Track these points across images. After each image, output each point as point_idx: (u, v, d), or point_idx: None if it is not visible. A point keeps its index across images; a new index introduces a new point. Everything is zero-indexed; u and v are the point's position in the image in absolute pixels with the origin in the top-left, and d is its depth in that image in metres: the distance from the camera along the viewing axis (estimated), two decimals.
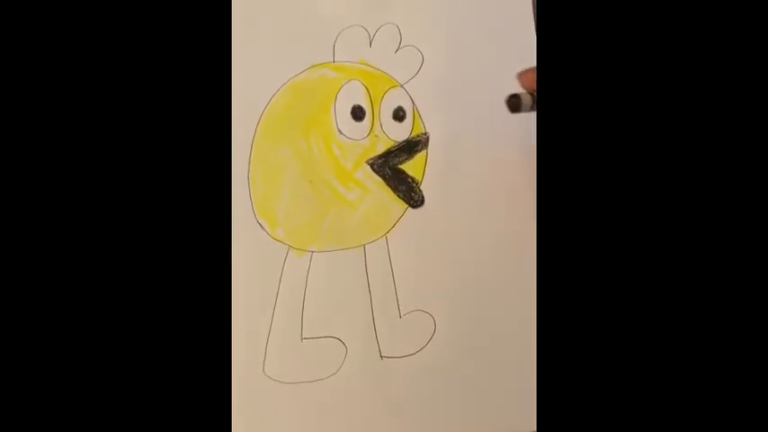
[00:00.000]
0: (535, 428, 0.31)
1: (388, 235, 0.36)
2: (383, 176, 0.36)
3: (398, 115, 0.37)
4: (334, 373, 0.33)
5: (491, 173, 0.37)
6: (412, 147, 0.37)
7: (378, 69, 0.38)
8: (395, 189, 0.36)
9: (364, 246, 0.35)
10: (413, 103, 0.38)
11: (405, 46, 0.38)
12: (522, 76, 0.32)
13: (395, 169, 0.36)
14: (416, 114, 0.37)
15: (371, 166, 0.36)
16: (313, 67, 0.38)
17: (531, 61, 0.38)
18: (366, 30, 0.38)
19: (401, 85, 0.38)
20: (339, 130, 0.37)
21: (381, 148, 0.37)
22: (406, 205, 0.36)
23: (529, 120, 0.37)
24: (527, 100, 0.32)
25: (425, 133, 0.37)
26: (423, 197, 0.36)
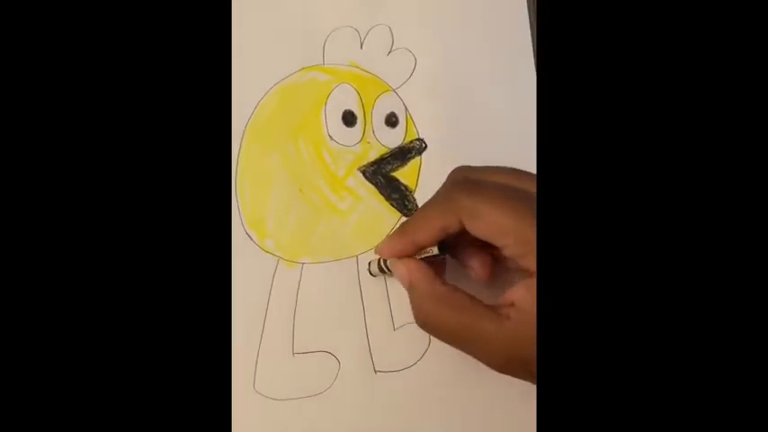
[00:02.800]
0: None
1: None
2: (376, 184, 0.35)
3: (391, 121, 0.36)
4: (326, 389, 0.32)
5: None
6: (405, 153, 0.36)
7: (369, 73, 0.37)
8: (388, 197, 0.35)
9: (357, 257, 0.34)
10: (405, 108, 0.36)
11: (397, 48, 0.37)
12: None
13: (388, 177, 0.35)
14: (409, 120, 0.36)
15: (363, 173, 0.35)
16: (303, 69, 0.36)
17: (528, 65, 0.38)
18: (357, 31, 0.37)
19: (393, 90, 0.37)
20: (329, 136, 0.36)
21: (374, 155, 0.36)
22: (400, 214, 0.35)
23: (528, 123, 0.36)
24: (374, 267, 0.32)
25: (419, 139, 0.36)
26: (417, 206, 0.35)
